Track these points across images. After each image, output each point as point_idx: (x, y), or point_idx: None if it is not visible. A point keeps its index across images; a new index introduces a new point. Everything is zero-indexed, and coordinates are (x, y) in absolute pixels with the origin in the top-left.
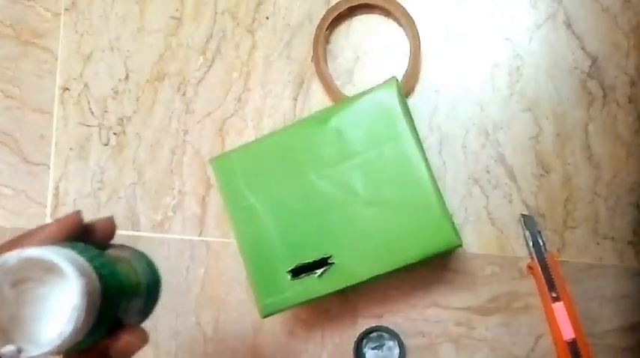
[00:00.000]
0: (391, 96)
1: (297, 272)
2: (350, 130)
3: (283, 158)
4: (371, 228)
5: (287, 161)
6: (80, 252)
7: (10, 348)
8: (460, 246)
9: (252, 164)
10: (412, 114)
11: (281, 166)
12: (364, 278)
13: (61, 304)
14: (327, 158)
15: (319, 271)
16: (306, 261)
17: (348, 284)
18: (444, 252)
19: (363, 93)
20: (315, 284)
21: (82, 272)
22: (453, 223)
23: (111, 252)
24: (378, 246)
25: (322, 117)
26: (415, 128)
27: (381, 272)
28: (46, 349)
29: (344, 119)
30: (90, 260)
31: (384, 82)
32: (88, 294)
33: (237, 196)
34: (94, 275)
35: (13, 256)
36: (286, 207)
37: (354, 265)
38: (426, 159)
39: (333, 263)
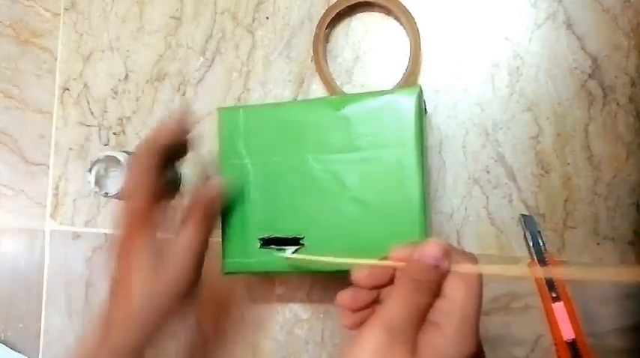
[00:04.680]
0: (410, 103)
1: (268, 242)
2: (359, 123)
3: (287, 129)
4: (348, 223)
5: (290, 134)
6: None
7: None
8: None
9: (257, 125)
10: None
11: (283, 137)
12: (327, 269)
13: (121, 178)
14: (328, 143)
15: (289, 250)
16: (279, 236)
17: (312, 269)
18: None
19: (384, 91)
20: (281, 260)
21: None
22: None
23: None
24: (349, 243)
25: (337, 103)
26: (424, 141)
27: (344, 269)
28: (115, 191)
29: (357, 111)
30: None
31: (408, 87)
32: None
33: (233, 152)
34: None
35: (104, 154)
36: (276, 177)
37: (322, 253)
38: (423, 175)
39: (303, 245)
